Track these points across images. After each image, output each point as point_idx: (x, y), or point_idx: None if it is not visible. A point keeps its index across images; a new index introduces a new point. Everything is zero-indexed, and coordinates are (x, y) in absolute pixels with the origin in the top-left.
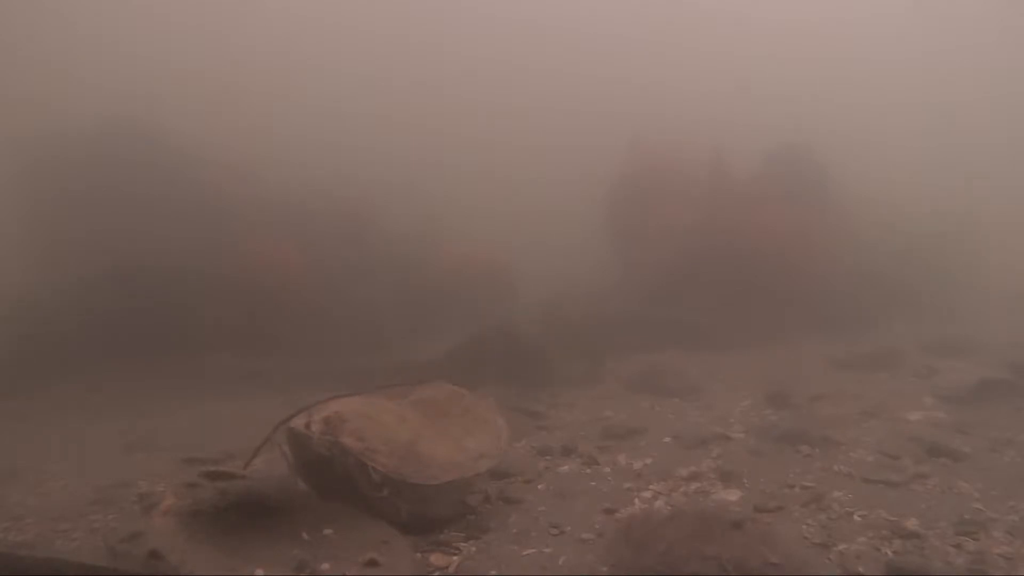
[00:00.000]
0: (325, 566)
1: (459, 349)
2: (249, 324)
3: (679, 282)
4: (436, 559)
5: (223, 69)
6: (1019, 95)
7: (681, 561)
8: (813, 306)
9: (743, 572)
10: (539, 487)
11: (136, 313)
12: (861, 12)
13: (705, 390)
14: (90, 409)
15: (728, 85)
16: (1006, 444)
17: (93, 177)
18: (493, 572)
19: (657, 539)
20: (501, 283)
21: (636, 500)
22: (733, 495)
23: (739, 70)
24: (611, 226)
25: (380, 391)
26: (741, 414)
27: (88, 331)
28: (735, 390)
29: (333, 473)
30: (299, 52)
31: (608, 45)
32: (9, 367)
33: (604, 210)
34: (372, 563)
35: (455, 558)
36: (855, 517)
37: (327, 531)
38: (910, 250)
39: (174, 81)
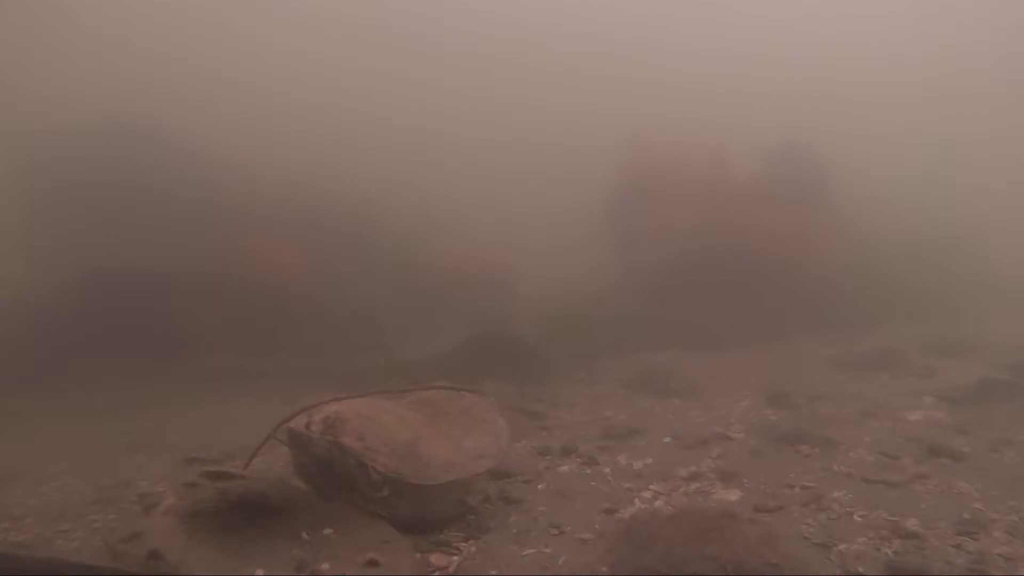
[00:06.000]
0: (325, 566)
1: (459, 349)
2: (249, 324)
3: (679, 282)
4: (436, 559)
5: (223, 68)
6: (1020, 94)
7: (681, 561)
8: (813, 306)
9: (743, 572)
10: (539, 487)
11: (136, 313)
12: (861, 11)
13: (705, 390)
14: (90, 409)
15: (728, 85)
16: (1006, 444)
17: (93, 176)
18: (493, 572)
19: (657, 539)
20: (501, 283)
21: (636, 500)
22: (733, 495)
23: (739, 69)
24: (611, 226)
25: (380, 392)
26: (741, 414)
27: (88, 331)
28: (735, 390)
29: (333, 473)
30: (299, 50)
31: (608, 45)
32: (9, 367)
33: (604, 210)
34: (372, 563)
35: (455, 558)
36: (855, 517)
37: (327, 531)
38: (910, 250)
39: (174, 80)
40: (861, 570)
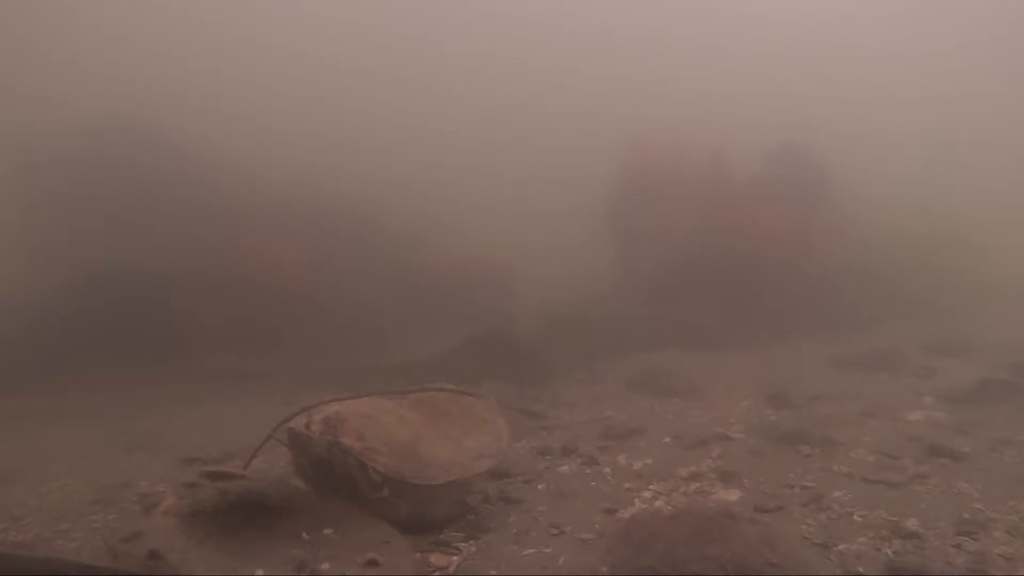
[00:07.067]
0: (325, 566)
1: (459, 349)
2: (249, 324)
3: (679, 282)
4: (436, 559)
5: (223, 68)
6: (1020, 94)
7: (681, 561)
8: (813, 306)
9: (743, 572)
10: (539, 487)
11: (136, 313)
12: (861, 11)
13: (705, 390)
14: (90, 409)
15: (728, 85)
16: (1006, 444)
17: (93, 176)
18: (493, 572)
19: (657, 539)
20: (501, 283)
21: (636, 500)
22: (733, 495)
23: (739, 69)
24: (611, 226)
25: (381, 393)
26: (741, 414)
27: (88, 331)
28: (735, 390)
29: (333, 473)
30: (299, 50)
31: (608, 45)
32: (9, 367)
33: (604, 210)
34: (372, 563)
35: (455, 558)
36: (855, 517)
37: (327, 531)
38: (910, 250)
39: (174, 80)
40: (861, 570)
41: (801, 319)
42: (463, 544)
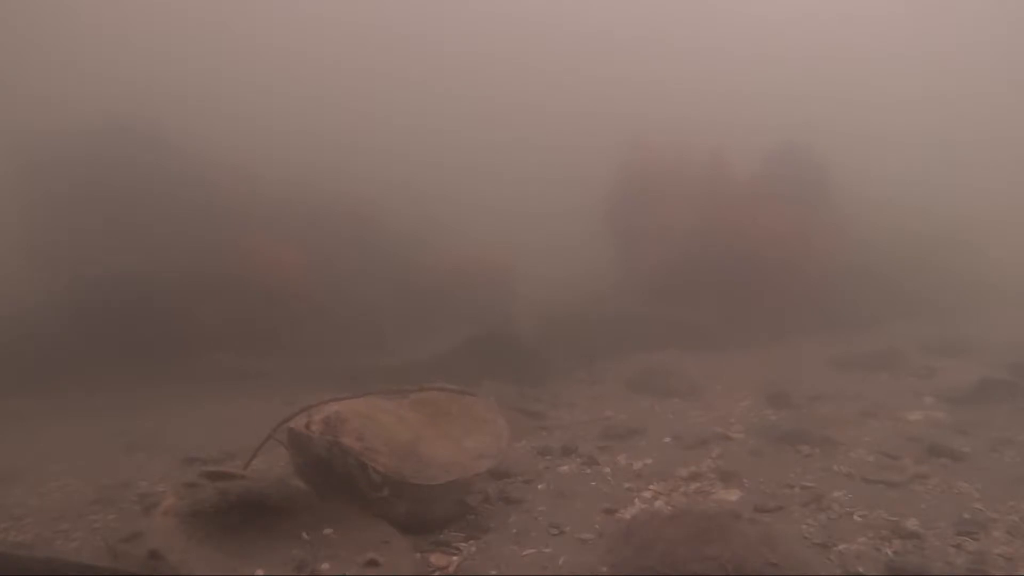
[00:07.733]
0: (325, 566)
1: (459, 349)
2: (249, 324)
3: (679, 282)
4: (436, 559)
5: (223, 68)
6: (1020, 94)
7: (681, 561)
8: (813, 306)
9: (743, 572)
10: (539, 487)
11: (136, 313)
12: (861, 11)
13: (705, 390)
14: (90, 409)
15: (728, 85)
16: (1006, 444)
17: (93, 176)
18: (493, 572)
19: (657, 539)
20: (501, 283)
21: (636, 500)
22: (733, 495)
23: (739, 69)
24: (611, 226)
25: (380, 392)
26: (741, 414)
27: (89, 331)
28: (735, 390)
29: (333, 473)
30: (299, 50)
31: (608, 45)
32: (9, 367)
33: (604, 210)
34: (372, 563)
35: (455, 558)
36: (855, 517)
37: (327, 531)
38: (910, 250)
39: (174, 80)
40: (861, 570)
41: (801, 319)
42: (463, 544)
